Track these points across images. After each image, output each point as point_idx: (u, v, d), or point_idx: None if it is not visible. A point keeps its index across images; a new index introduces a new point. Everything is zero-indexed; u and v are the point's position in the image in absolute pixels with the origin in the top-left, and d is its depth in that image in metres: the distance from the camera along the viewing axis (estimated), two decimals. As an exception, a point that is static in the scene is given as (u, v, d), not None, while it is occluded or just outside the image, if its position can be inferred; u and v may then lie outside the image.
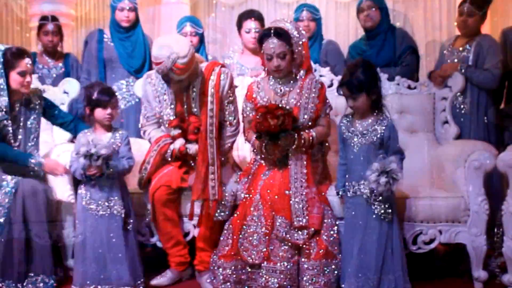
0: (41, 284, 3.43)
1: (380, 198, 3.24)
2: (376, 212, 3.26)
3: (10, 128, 3.57)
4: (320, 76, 4.23)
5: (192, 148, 3.61)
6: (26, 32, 8.05)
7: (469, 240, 3.51)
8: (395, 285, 3.26)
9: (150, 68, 4.65)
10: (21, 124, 3.64)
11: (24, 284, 3.41)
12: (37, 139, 3.71)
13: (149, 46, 4.74)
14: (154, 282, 3.63)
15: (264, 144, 3.44)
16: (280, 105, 3.40)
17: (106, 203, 3.48)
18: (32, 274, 3.43)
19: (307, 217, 3.33)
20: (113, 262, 3.44)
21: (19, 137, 3.62)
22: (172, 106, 3.65)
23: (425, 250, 3.57)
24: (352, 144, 3.37)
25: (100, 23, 7.70)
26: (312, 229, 3.34)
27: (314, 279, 3.30)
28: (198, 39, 4.60)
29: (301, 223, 3.31)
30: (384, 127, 3.31)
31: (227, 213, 3.56)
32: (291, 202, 3.35)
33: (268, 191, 3.39)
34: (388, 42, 4.53)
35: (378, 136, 3.31)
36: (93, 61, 4.70)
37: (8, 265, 3.37)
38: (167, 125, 3.66)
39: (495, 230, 3.47)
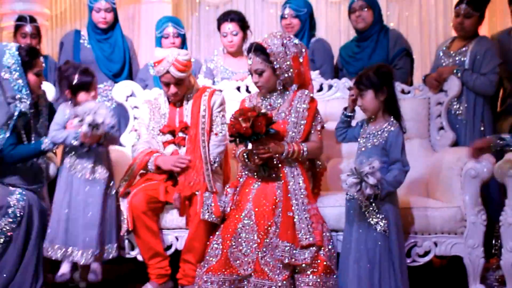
0: None
1: (374, 206, 3.25)
2: (369, 220, 3.27)
3: (31, 126, 3.63)
4: (310, 79, 4.26)
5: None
6: (-4, 31, 8.09)
7: (466, 252, 3.55)
8: None
9: (130, 72, 4.72)
10: (32, 128, 3.65)
11: None
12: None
13: (128, 48, 4.76)
14: (133, 297, 3.66)
15: (245, 152, 3.49)
16: (255, 108, 3.44)
17: (92, 168, 3.63)
18: None
19: (313, 235, 3.36)
20: (85, 226, 3.56)
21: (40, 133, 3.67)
22: (166, 118, 3.83)
23: (419, 263, 3.61)
24: (359, 145, 3.43)
25: (77, 23, 7.70)
26: (318, 246, 3.37)
27: None
28: (180, 40, 4.60)
29: (308, 241, 3.34)
30: (388, 133, 3.33)
31: (218, 219, 3.57)
32: (295, 220, 3.38)
33: (263, 201, 3.44)
34: (381, 44, 4.55)
35: (381, 141, 3.33)
36: (69, 64, 4.68)
37: None
38: (158, 133, 3.82)
39: (493, 241, 3.51)
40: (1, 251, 3.45)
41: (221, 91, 3.97)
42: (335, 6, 7.68)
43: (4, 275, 3.44)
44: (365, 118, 3.52)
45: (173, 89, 3.75)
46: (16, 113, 3.47)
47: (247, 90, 4.33)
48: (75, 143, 3.53)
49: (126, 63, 4.71)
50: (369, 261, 3.25)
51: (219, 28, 4.66)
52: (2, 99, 3.48)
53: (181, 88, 3.78)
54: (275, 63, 3.53)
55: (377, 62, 4.32)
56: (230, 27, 4.56)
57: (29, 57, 3.53)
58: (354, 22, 4.59)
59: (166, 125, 3.82)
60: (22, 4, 7.15)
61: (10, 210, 3.44)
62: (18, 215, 3.45)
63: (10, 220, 3.43)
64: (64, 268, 3.65)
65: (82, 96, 3.67)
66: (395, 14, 7.61)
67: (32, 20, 4.80)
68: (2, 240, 3.42)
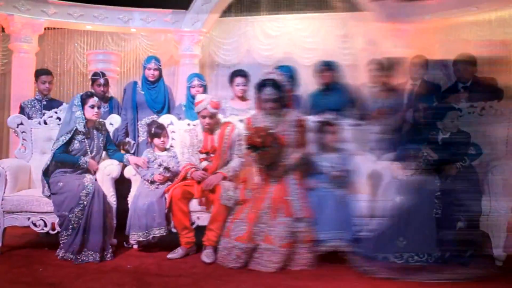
0: (90, 257, 3.49)
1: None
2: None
3: (86, 143, 3.80)
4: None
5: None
6: (86, 81, 8.19)
7: None
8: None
9: (169, 109, 4.67)
10: (93, 141, 3.85)
11: (79, 256, 3.49)
12: (101, 151, 3.94)
13: (168, 93, 4.71)
14: (169, 256, 3.64)
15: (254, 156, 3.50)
16: (265, 128, 3.44)
17: (158, 188, 3.80)
18: (86, 249, 3.50)
19: (303, 211, 3.40)
20: (159, 214, 3.66)
21: (94, 149, 3.84)
22: (201, 142, 3.85)
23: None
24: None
25: (136, 76, 7.78)
26: (309, 219, 3.39)
27: (305, 255, 3.36)
28: (203, 89, 4.52)
29: (300, 215, 3.37)
30: None
31: (232, 202, 3.57)
32: (290, 201, 3.42)
33: (276, 198, 3.44)
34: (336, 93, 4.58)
35: None
36: (129, 103, 4.65)
37: (81, 242, 3.50)
38: (197, 152, 3.85)
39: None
40: (76, 225, 3.53)
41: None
42: (308, 68, 7.74)
43: (78, 238, 3.49)
44: None
45: (208, 120, 3.78)
46: (73, 129, 3.74)
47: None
48: (150, 179, 3.82)
49: (166, 103, 4.66)
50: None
51: (231, 81, 4.60)
52: (69, 121, 3.77)
53: (213, 120, 3.80)
54: (282, 93, 3.56)
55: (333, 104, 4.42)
56: (242, 80, 4.53)
57: (85, 97, 3.80)
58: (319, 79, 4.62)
59: (202, 147, 3.83)
60: (102, 64, 7.27)
61: (80, 202, 3.53)
62: (85, 203, 3.53)
63: (80, 208, 3.52)
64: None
65: (156, 141, 3.99)
66: (345, 75, 7.67)
67: (103, 75, 4.85)
68: (75, 225, 3.51)
